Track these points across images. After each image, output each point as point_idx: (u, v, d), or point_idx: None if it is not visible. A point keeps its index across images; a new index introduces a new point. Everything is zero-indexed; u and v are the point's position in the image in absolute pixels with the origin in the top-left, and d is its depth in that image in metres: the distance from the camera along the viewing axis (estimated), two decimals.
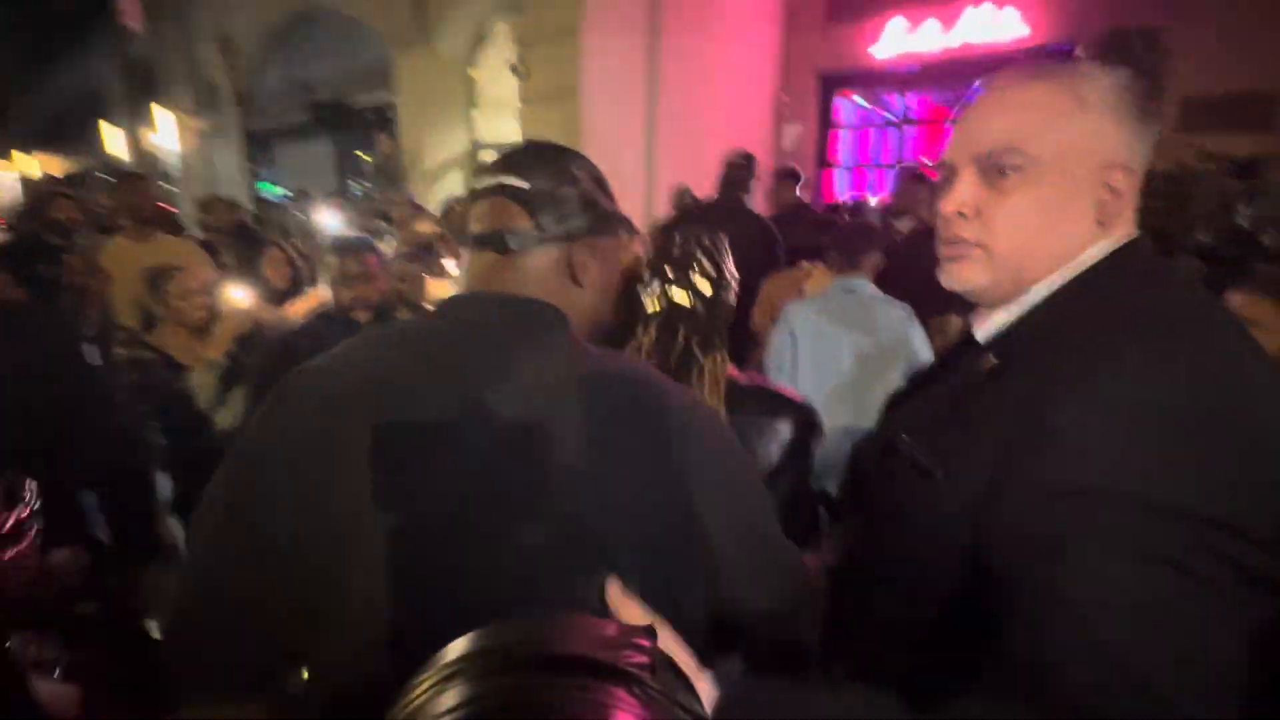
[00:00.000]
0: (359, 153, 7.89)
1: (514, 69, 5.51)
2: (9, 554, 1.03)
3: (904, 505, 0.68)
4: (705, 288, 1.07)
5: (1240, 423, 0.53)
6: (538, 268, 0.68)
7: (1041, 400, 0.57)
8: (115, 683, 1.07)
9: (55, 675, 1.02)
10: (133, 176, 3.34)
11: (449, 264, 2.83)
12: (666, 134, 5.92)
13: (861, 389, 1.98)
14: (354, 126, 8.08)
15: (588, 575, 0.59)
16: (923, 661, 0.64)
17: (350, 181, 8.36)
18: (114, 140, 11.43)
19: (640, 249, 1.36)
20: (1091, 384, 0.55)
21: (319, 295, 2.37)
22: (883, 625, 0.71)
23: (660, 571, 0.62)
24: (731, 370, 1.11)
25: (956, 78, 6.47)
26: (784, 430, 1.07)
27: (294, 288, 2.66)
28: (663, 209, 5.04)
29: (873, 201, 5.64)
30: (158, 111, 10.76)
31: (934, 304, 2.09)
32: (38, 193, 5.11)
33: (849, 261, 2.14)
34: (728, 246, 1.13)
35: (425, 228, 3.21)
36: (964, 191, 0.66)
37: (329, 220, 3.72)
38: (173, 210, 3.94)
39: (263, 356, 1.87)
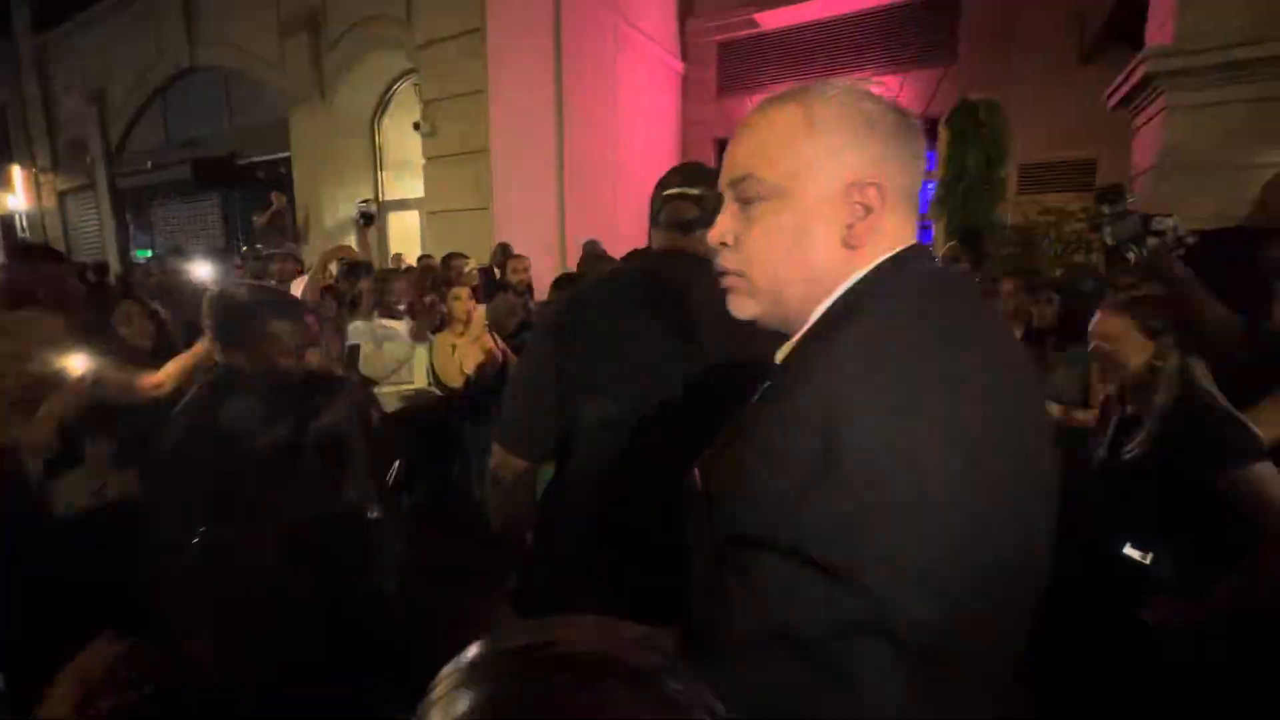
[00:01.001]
0: (254, 214, 7.43)
1: (417, 126, 5.46)
2: None
3: (693, 529, 0.65)
4: None
5: (928, 476, 0.51)
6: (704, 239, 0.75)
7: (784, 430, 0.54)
8: None
9: None
10: None
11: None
12: (575, 193, 6.05)
13: None
14: (243, 184, 7.63)
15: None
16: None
17: (238, 240, 7.82)
18: None
19: None
20: (778, 434, 0.54)
21: (197, 352, 2.07)
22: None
23: None
24: None
25: None
26: None
27: (161, 345, 2.34)
28: (573, 263, 5.06)
29: None
30: (13, 170, 9.73)
31: None
32: None
33: None
34: None
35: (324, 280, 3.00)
36: (723, 222, 0.65)
37: (203, 276, 3.40)
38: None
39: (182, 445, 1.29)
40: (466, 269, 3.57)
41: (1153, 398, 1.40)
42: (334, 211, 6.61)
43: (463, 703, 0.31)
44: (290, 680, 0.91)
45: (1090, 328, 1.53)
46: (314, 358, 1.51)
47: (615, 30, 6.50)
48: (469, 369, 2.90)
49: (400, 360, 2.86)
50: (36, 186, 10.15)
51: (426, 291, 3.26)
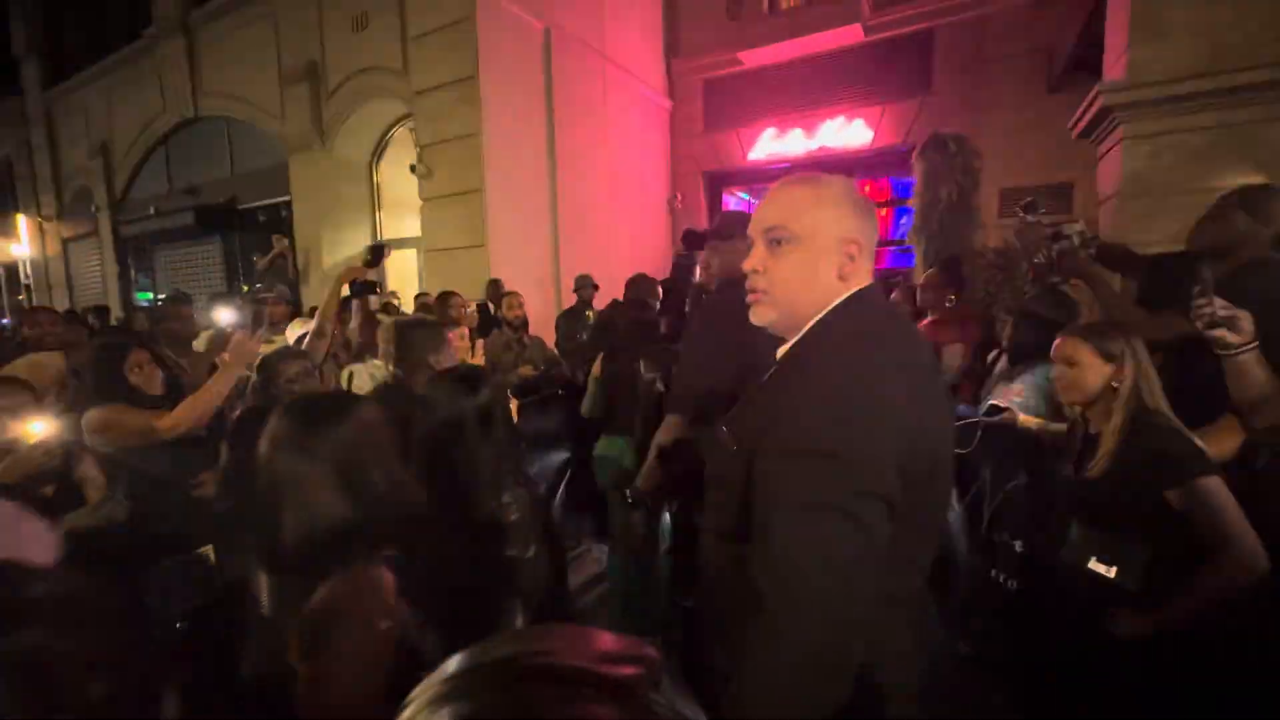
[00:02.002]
0: (255, 255, 7.60)
1: (413, 169, 5.65)
2: None
3: (719, 473, 0.99)
4: None
5: (890, 404, 0.82)
6: None
7: (777, 389, 0.91)
8: None
9: None
10: None
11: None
12: (568, 229, 6.22)
13: None
14: (244, 228, 7.81)
15: None
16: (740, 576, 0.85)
17: (239, 282, 7.96)
18: None
19: None
20: (804, 382, 0.86)
21: (208, 395, 2.14)
22: (723, 561, 0.97)
23: None
24: None
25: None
26: None
27: (171, 391, 2.41)
28: (568, 299, 5.19)
29: None
30: (19, 219, 9.95)
31: None
32: None
33: None
34: None
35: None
36: (756, 255, 0.96)
37: (206, 318, 3.50)
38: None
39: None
40: (468, 309, 3.67)
41: (1110, 418, 1.49)
42: (334, 253, 6.77)
43: (440, 717, 0.31)
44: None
45: (1053, 351, 1.63)
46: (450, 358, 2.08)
47: (604, 73, 6.77)
48: None
49: None
50: (41, 235, 10.35)
51: None
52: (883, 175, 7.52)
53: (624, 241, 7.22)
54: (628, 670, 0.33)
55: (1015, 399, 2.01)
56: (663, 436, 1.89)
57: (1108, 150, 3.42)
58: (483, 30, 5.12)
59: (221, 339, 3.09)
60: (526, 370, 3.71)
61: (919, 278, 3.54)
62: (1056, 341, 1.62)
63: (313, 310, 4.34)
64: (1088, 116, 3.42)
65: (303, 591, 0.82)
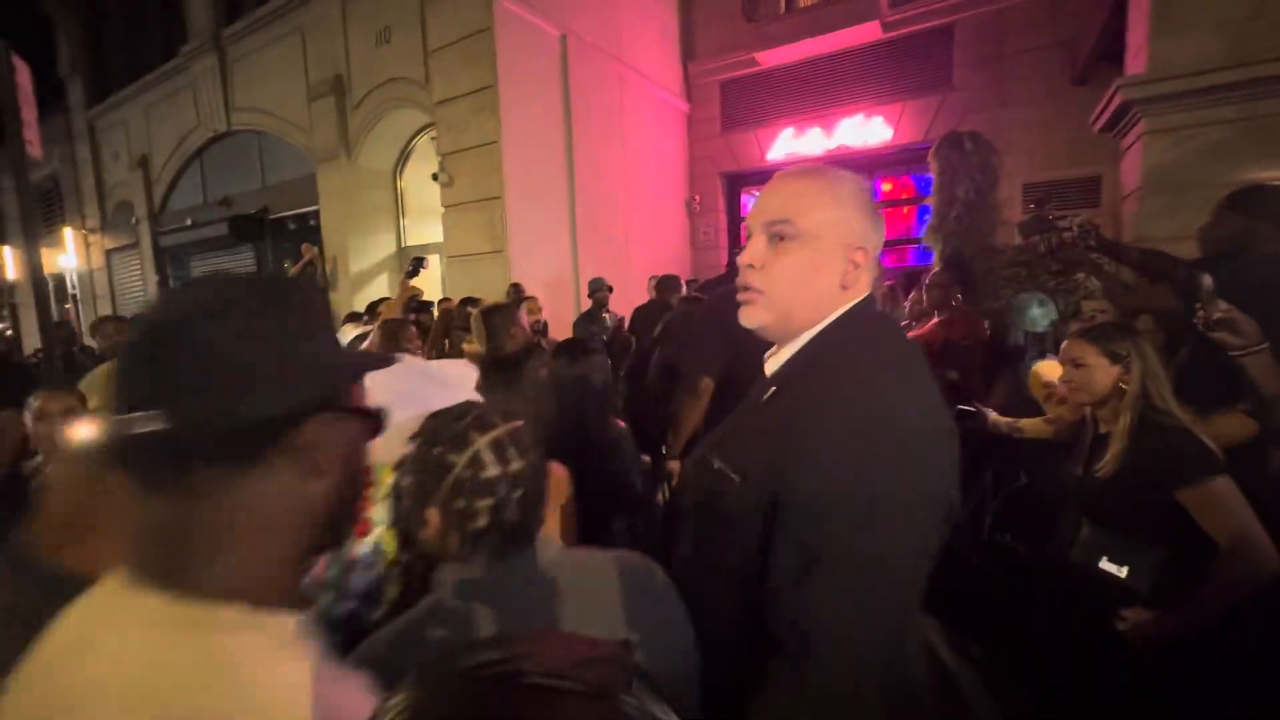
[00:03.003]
0: (286, 262, 7.87)
1: (435, 177, 5.78)
2: None
3: (715, 505, 0.85)
4: None
5: (914, 437, 0.75)
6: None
7: (794, 425, 0.77)
8: None
9: None
10: None
11: None
12: (586, 233, 6.30)
13: None
14: (275, 237, 8.08)
15: None
16: (748, 612, 0.80)
17: None
18: (14, 263, 10.89)
19: None
20: (826, 420, 0.75)
21: None
22: (718, 593, 0.85)
23: None
24: None
25: None
26: None
27: None
28: (587, 303, 5.26)
29: None
30: (65, 231, 10.42)
31: None
32: None
33: None
34: None
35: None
36: (754, 249, 0.86)
37: None
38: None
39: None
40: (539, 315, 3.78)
41: (1119, 418, 1.49)
42: (360, 259, 6.96)
43: None
44: None
45: (1060, 353, 1.63)
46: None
47: (621, 78, 6.83)
48: None
49: None
50: (86, 246, 10.81)
51: (445, 335, 3.45)
52: (904, 172, 7.43)
53: (642, 244, 7.28)
54: (603, 674, 0.33)
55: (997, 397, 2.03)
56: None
57: (1130, 144, 3.36)
58: (501, 40, 5.23)
59: None
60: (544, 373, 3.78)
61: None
62: (1064, 344, 1.63)
63: (355, 315, 4.48)
64: (1109, 110, 3.37)
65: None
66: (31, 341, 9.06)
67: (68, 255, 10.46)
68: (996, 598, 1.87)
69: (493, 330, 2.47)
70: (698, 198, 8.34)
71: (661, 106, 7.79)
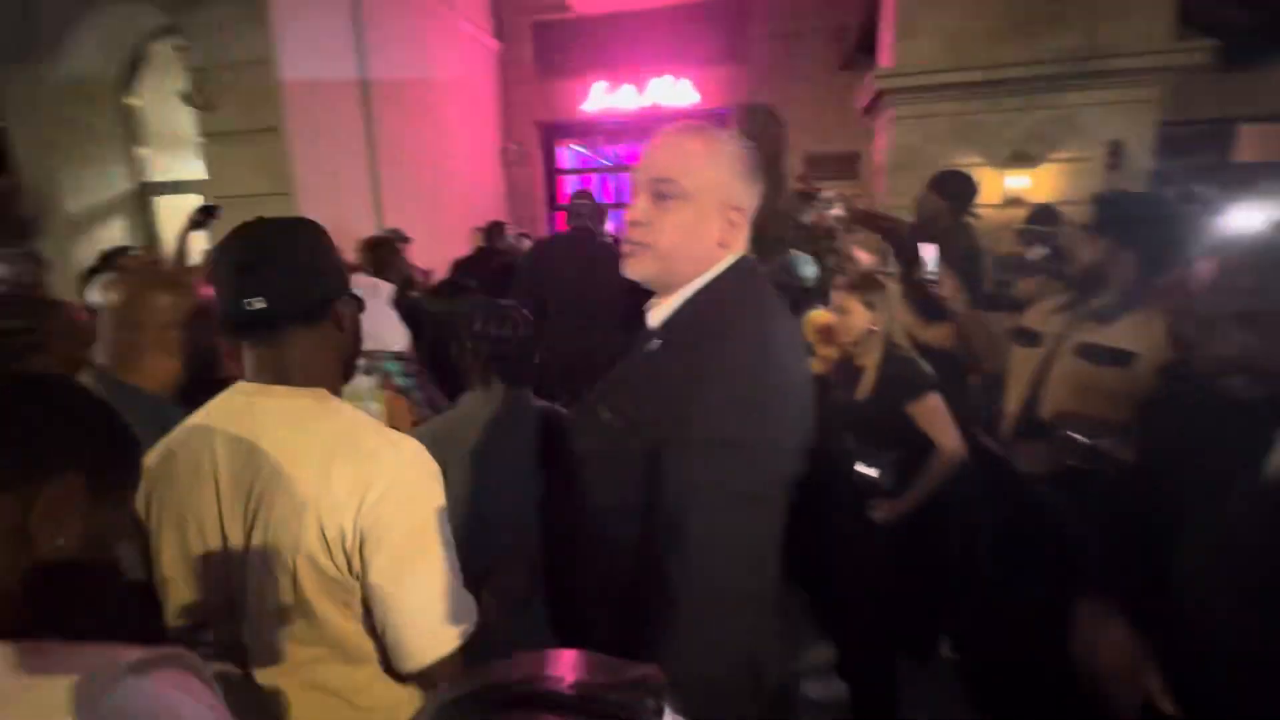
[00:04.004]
0: None
1: (188, 99, 4.72)
2: None
3: (605, 451, 0.92)
4: None
5: (792, 384, 0.86)
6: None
7: (687, 375, 0.83)
8: None
9: None
10: None
11: None
12: (391, 177, 5.71)
13: None
14: None
15: None
16: (632, 556, 0.86)
17: None
18: None
19: None
20: (707, 366, 0.82)
21: None
22: (615, 532, 0.91)
23: None
24: None
25: (649, 132, 7.73)
26: None
27: None
28: None
29: None
30: None
31: None
32: None
33: None
34: None
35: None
36: (640, 206, 0.90)
37: None
38: None
39: None
40: None
41: (870, 353, 1.87)
42: (78, 196, 5.46)
43: None
44: None
45: (830, 302, 1.98)
46: None
47: (418, 2, 6.16)
48: None
49: None
50: None
51: None
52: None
53: (456, 190, 6.83)
54: (628, 696, 0.32)
55: None
56: None
57: (880, 127, 4.04)
58: None
59: None
60: None
61: None
62: (833, 294, 1.98)
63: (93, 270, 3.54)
64: (867, 97, 4.00)
65: None
66: None
67: None
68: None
69: (380, 264, 2.74)
70: (513, 145, 8.02)
71: (469, 42, 7.22)
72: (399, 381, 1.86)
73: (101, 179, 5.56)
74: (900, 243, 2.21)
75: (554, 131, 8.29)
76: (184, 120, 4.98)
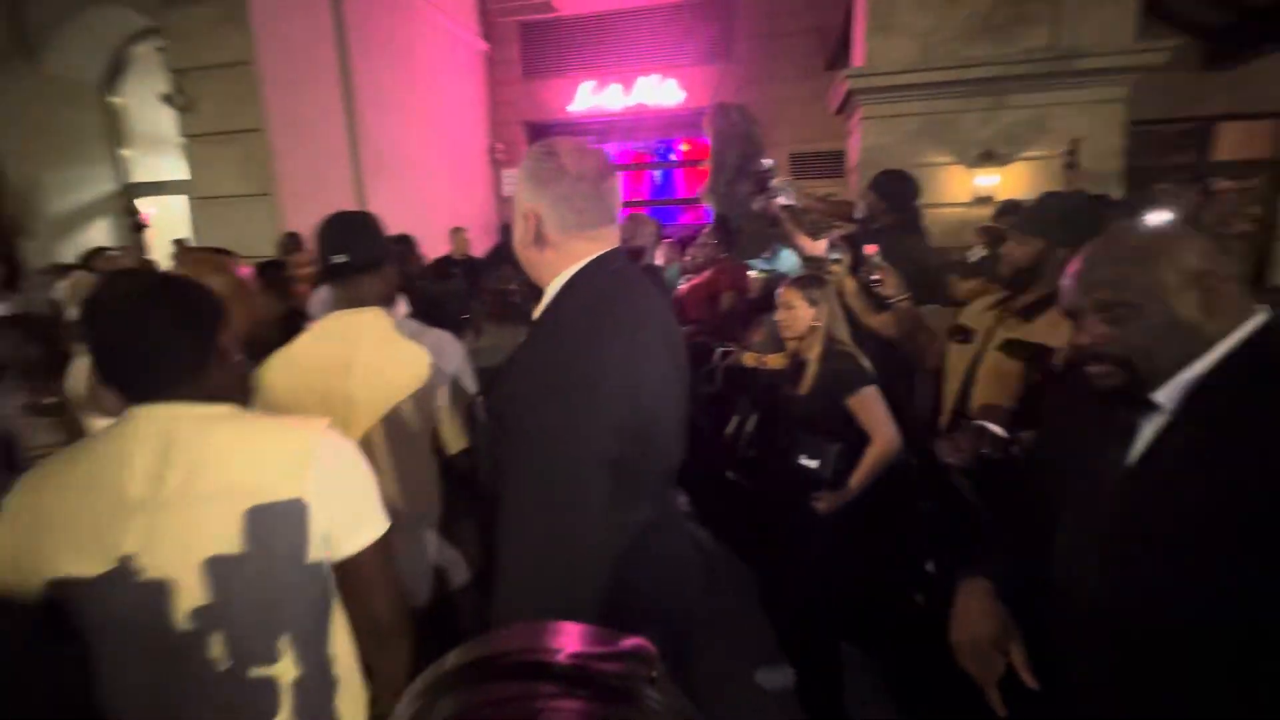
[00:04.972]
0: None
1: (170, 100, 4.75)
2: None
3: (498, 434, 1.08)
4: None
5: (608, 371, 0.92)
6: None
7: (516, 372, 1.01)
8: None
9: None
10: None
11: None
12: (377, 179, 5.74)
13: None
14: None
15: None
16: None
17: None
18: None
19: None
20: (533, 358, 0.99)
21: None
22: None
23: None
24: None
25: (636, 131, 7.78)
26: None
27: None
28: None
29: None
30: None
31: None
32: None
33: None
34: None
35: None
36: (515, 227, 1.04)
37: None
38: None
39: None
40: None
41: (813, 348, 1.91)
42: (63, 198, 5.50)
43: (438, 713, 0.31)
44: None
45: (776, 299, 2.02)
46: None
47: (406, 3, 6.20)
48: None
49: None
50: None
51: None
52: (700, 135, 8.00)
53: (443, 191, 6.86)
54: (626, 669, 0.32)
55: (756, 340, 2.46)
56: None
57: (853, 126, 4.08)
58: None
59: None
60: None
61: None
62: (779, 290, 2.01)
63: (64, 267, 3.59)
64: (839, 97, 4.03)
65: None
66: None
67: None
68: (741, 495, 2.30)
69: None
70: (499, 145, 8.05)
71: (456, 43, 7.26)
72: None
73: (85, 181, 5.60)
74: (851, 235, 2.26)
75: (541, 131, 8.33)
76: (167, 122, 5.01)
